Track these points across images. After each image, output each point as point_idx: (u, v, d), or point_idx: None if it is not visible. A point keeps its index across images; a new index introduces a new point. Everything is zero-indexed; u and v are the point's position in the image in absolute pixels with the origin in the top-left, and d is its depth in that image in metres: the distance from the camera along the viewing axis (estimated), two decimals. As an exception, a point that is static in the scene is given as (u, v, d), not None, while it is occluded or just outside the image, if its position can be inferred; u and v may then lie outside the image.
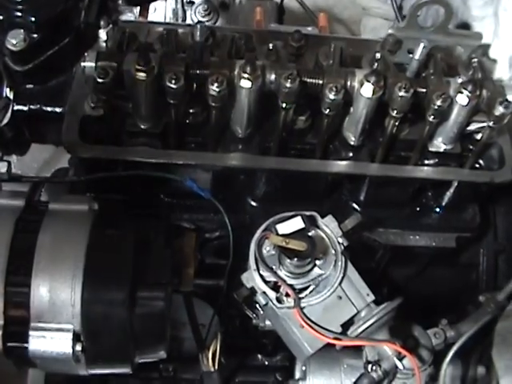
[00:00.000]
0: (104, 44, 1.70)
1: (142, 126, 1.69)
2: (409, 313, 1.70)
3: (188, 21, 2.56)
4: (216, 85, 1.57)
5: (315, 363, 1.83)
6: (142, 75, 1.57)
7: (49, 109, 1.76)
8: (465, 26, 2.06)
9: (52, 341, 1.47)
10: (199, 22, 2.12)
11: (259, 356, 2.11)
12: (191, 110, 1.71)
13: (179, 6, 2.54)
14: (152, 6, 2.30)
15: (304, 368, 1.85)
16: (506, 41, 1.91)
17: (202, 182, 1.73)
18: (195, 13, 2.55)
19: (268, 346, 2.04)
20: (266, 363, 2.11)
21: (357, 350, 1.71)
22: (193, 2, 2.57)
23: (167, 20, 2.52)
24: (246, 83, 1.59)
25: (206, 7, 2.54)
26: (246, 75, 1.59)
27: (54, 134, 1.76)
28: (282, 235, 1.59)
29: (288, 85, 1.58)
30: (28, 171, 1.98)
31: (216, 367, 1.76)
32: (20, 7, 1.68)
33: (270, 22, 2.14)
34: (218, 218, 1.75)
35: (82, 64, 1.64)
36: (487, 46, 1.90)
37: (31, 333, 1.47)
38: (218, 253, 1.82)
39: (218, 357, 1.76)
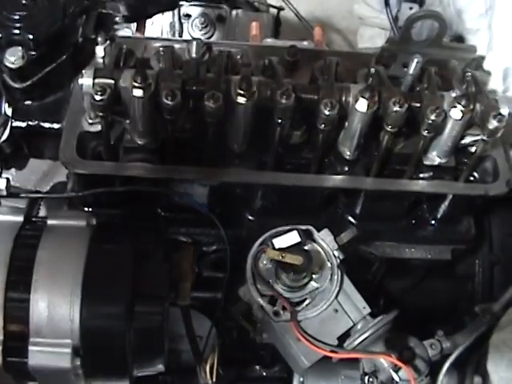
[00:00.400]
0: (101, 60, 1.70)
1: (140, 142, 1.70)
2: (405, 324, 1.71)
3: (185, 34, 2.57)
4: (212, 101, 1.58)
5: (313, 374, 1.84)
6: (139, 92, 1.58)
7: (47, 125, 1.78)
8: (459, 38, 2.08)
9: (51, 355, 1.48)
10: (195, 38, 2.12)
11: (257, 367, 2.11)
12: (188, 126, 1.72)
13: (176, 19, 2.55)
14: (149, 19, 2.31)
15: (302, 379, 1.87)
16: (500, 53, 1.92)
17: (199, 196, 1.74)
18: (192, 26, 2.56)
19: (266, 357, 2.04)
20: (264, 375, 2.11)
21: (354, 361, 1.72)
22: (190, 16, 2.58)
23: (164, 33, 2.54)
24: (241, 99, 1.61)
25: (202, 20, 2.56)
26: (241, 91, 1.60)
27: (52, 149, 1.77)
28: (279, 249, 1.61)
29: (283, 101, 1.59)
30: (26, 183, 1.99)
31: (214, 380, 1.77)
32: (18, 25, 1.70)
33: (267, 35, 2.15)
34: (215, 232, 1.76)
35: (80, 81, 1.65)
36: (482, 59, 1.92)
37: (30, 348, 1.49)
38: (216, 266, 1.83)
39: (215, 369, 1.77)
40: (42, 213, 1.86)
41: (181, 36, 2.57)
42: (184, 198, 1.72)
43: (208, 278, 1.88)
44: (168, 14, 2.51)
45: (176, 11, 2.53)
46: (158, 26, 2.52)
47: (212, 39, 2.53)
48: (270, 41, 1.93)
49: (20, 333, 1.49)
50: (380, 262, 1.91)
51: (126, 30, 1.90)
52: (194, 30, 2.57)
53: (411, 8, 2.59)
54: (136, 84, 1.58)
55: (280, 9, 2.66)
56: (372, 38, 3.32)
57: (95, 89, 1.59)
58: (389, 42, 1.83)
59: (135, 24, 2.03)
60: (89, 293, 1.49)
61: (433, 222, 1.89)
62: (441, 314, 2.03)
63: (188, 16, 2.59)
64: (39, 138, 1.82)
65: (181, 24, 2.58)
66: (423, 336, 1.81)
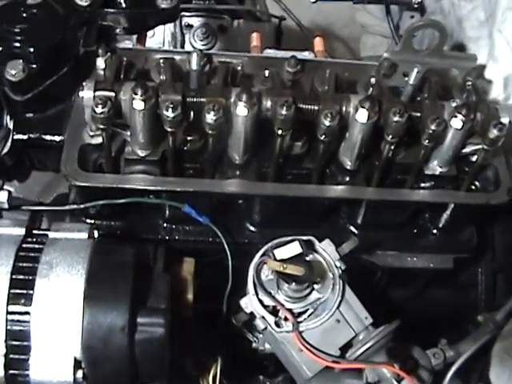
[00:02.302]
0: (102, 72, 1.71)
1: (141, 154, 1.70)
2: (408, 333, 1.71)
3: (187, 44, 2.57)
4: (213, 113, 1.58)
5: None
6: (139, 104, 1.59)
7: (48, 137, 1.78)
8: (460, 47, 2.08)
9: (53, 368, 1.48)
10: (195, 49, 2.13)
11: (260, 377, 2.12)
12: (189, 138, 1.72)
13: (178, 29, 2.56)
14: (150, 30, 2.31)
15: (305, 388, 1.86)
16: (500, 62, 1.93)
17: (201, 207, 1.74)
18: (194, 36, 2.56)
19: (269, 367, 2.04)
20: (268, 384, 2.12)
21: (357, 371, 1.71)
22: (191, 26, 2.58)
23: (166, 43, 2.54)
24: (242, 111, 1.61)
25: (204, 30, 2.55)
26: (242, 103, 1.60)
27: (54, 161, 1.78)
28: (280, 260, 1.61)
29: (284, 112, 1.59)
30: (30, 195, 1.99)
31: (217, 391, 1.77)
32: (18, 38, 1.71)
33: (268, 45, 2.14)
34: (217, 243, 1.75)
35: (80, 93, 1.66)
36: (482, 67, 1.92)
37: (32, 360, 1.48)
38: (217, 277, 1.83)
39: (218, 380, 1.77)
40: (45, 225, 1.86)
41: (182, 47, 2.57)
42: (185, 210, 1.71)
43: (209, 289, 1.88)
44: (169, 25, 2.50)
45: (177, 22, 2.53)
46: (160, 36, 2.52)
47: (213, 49, 2.53)
48: (270, 51, 1.93)
49: (21, 345, 1.49)
50: (382, 272, 1.91)
51: (127, 42, 1.90)
52: (195, 41, 2.56)
53: (412, 17, 2.60)
54: (137, 96, 1.59)
55: (282, 18, 2.67)
56: (374, 46, 3.34)
57: (96, 101, 1.59)
58: (389, 52, 1.83)
59: (135, 36, 2.03)
60: (90, 305, 1.48)
61: (434, 231, 1.89)
62: (443, 322, 2.03)
63: (189, 26, 2.59)
64: (41, 151, 1.83)
65: (182, 34, 2.58)
66: (426, 345, 1.81)
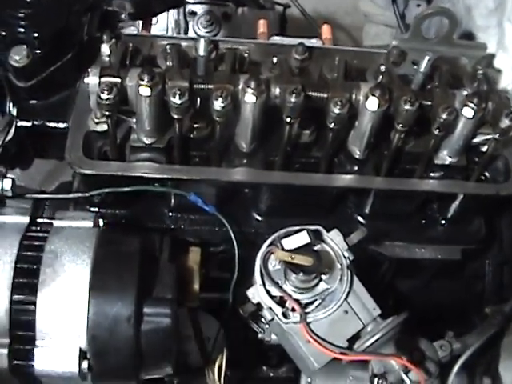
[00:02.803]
0: (107, 58, 1.68)
1: (146, 141, 1.68)
2: (414, 325, 1.70)
3: (190, 31, 2.55)
4: (220, 100, 1.56)
5: (321, 375, 1.82)
6: (146, 91, 1.56)
7: (52, 124, 1.76)
8: (469, 35, 2.06)
9: (58, 359, 1.47)
10: (202, 36, 2.11)
11: (264, 368, 2.11)
12: (195, 125, 1.70)
13: (181, 17, 2.54)
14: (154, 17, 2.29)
15: (309, 380, 1.85)
16: (510, 51, 1.91)
17: (207, 195, 1.72)
18: (197, 24, 2.54)
19: (273, 358, 2.03)
20: (271, 375, 2.11)
21: (363, 362, 1.70)
22: (195, 13, 2.56)
23: (169, 31, 2.52)
24: (250, 98, 1.58)
25: (208, 18, 2.54)
26: (250, 90, 1.58)
27: (58, 149, 1.75)
28: (288, 250, 1.59)
29: (293, 99, 1.57)
30: (32, 183, 1.97)
31: (222, 382, 1.75)
32: (23, 23, 1.69)
33: (273, 32, 2.12)
34: (223, 232, 1.73)
35: (86, 80, 1.63)
36: (492, 57, 1.90)
37: (37, 351, 1.47)
38: (223, 266, 1.81)
39: (223, 371, 1.76)
40: (47, 213, 1.84)
41: (186, 34, 2.55)
42: (191, 198, 1.69)
43: (215, 279, 1.86)
44: (173, 12, 2.49)
45: (181, 9, 2.51)
46: (163, 23, 2.50)
47: (217, 37, 2.51)
48: (277, 39, 1.90)
49: (26, 335, 1.48)
50: (389, 262, 1.89)
51: (132, 29, 1.87)
52: (199, 28, 2.55)
53: (419, 5, 2.59)
54: (143, 82, 1.56)
55: (286, 6, 2.64)
56: (377, 35, 3.32)
57: (101, 87, 1.57)
58: (398, 40, 1.81)
59: (141, 22, 2.00)
60: (96, 295, 1.47)
61: (443, 221, 1.87)
62: (450, 314, 2.01)
63: (193, 14, 2.57)
64: (44, 138, 1.81)
65: (186, 22, 2.56)
66: (433, 337, 1.80)
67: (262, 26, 2.04)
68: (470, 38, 2.04)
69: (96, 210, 1.77)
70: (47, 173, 2.17)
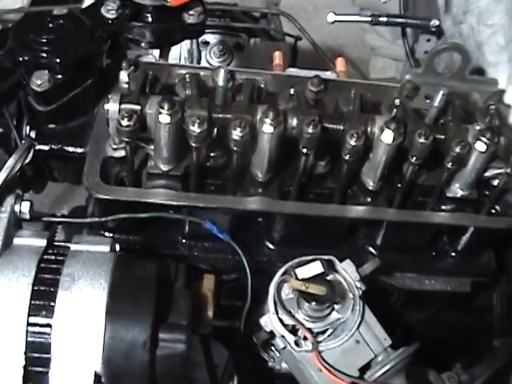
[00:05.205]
0: (125, 85, 1.71)
1: (163, 169, 1.70)
2: (423, 356, 1.70)
3: (203, 61, 2.57)
4: (239, 130, 1.58)
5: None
6: (165, 118, 1.58)
7: (70, 149, 1.78)
8: (479, 71, 2.09)
9: (73, 382, 1.46)
10: (219, 66, 2.14)
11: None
12: (212, 154, 1.72)
13: (194, 46, 2.56)
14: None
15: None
16: (520, 87, 1.94)
17: (220, 223, 1.74)
18: (210, 53, 2.57)
19: (281, 386, 2.04)
20: (282, 403, 2.11)
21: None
22: (208, 43, 2.59)
23: (182, 59, 2.54)
24: (268, 128, 1.61)
25: (220, 48, 2.56)
26: (268, 120, 1.60)
27: (73, 173, 1.77)
28: (302, 279, 1.61)
29: (310, 130, 1.59)
30: (40, 207, 1.98)
31: (231, 408, 1.76)
32: (45, 48, 1.71)
33: (286, 65, 2.14)
34: (235, 260, 1.75)
35: (106, 106, 1.65)
36: (502, 92, 1.93)
37: (51, 373, 1.47)
38: (234, 294, 1.82)
39: (233, 398, 1.76)
40: (60, 237, 1.85)
41: (199, 63, 2.57)
42: (206, 226, 1.70)
43: (225, 307, 1.87)
44: (186, 41, 2.51)
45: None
46: (176, 52, 2.51)
47: (230, 67, 2.53)
48: (293, 70, 1.93)
49: (41, 358, 1.47)
50: (399, 293, 1.90)
51: (150, 57, 1.89)
52: (211, 58, 2.57)
53: (429, 40, 2.61)
54: (163, 110, 1.58)
55: (298, 38, 2.66)
56: (383, 68, 3.36)
57: (122, 114, 1.58)
58: (411, 74, 1.84)
59: (158, 51, 2.03)
60: (113, 319, 1.47)
61: (453, 254, 1.88)
62: (458, 346, 2.02)
63: (206, 43, 2.59)
64: (61, 162, 1.82)
65: (199, 51, 2.58)
66: (441, 368, 1.81)
67: (277, 57, 2.06)
68: (480, 74, 2.06)
69: (110, 234, 1.78)
70: (55, 197, 2.18)
